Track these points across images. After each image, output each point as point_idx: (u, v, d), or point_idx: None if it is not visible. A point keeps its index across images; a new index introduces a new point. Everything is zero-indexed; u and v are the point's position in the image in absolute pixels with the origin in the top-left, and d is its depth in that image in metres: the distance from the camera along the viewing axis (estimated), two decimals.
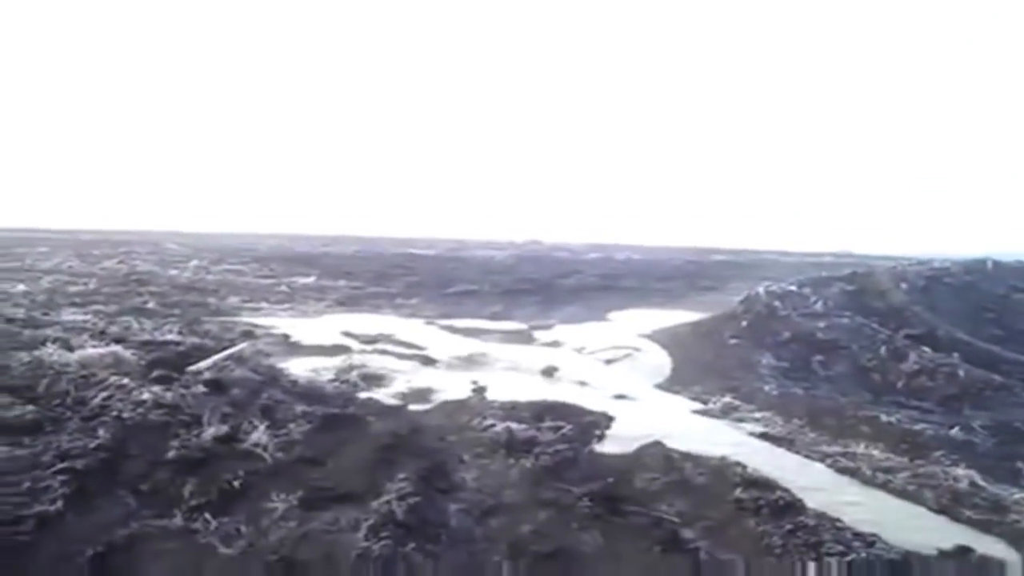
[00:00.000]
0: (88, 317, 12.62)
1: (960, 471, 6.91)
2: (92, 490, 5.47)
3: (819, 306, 13.40)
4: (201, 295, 16.99)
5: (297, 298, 17.74)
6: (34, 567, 4.46)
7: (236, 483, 5.77)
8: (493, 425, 7.62)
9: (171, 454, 6.24)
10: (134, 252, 27.82)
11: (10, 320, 11.67)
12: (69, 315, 12.73)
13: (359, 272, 23.84)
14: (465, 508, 5.67)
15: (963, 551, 5.27)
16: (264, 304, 16.44)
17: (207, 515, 5.21)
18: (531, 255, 36.79)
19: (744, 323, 12.80)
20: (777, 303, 13.41)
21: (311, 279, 21.48)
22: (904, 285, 15.77)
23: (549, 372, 10.56)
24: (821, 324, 12.56)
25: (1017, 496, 6.40)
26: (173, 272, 21.24)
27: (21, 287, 15.92)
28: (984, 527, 5.76)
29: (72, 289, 16.45)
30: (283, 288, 19.42)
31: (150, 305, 14.70)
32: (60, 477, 5.51)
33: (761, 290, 14.19)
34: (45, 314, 12.71)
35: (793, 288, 14.33)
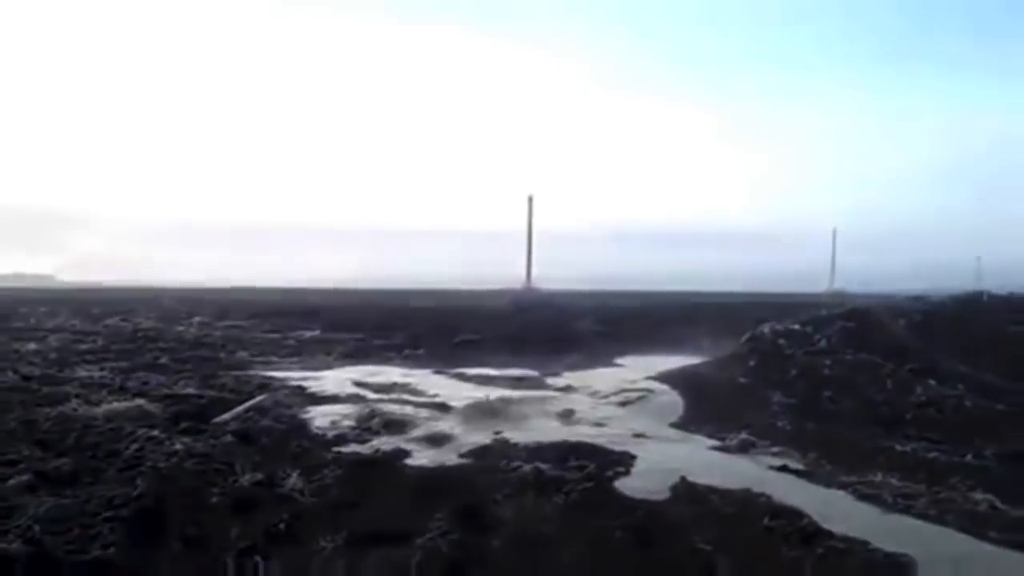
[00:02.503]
0: (104, 373, 12.80)
1: (978, 495, 7.11)
2: (142, 536, 5.62)
3: (823, 343, 13.67)
4: (211, 350, 17.16)
5: (305, 351, 17.91)
6: None
7: (281, 526, 5.92)
8: (520, 466, 7.78)
9: (214, 500, 6.42)
10: (134, 310, 27.99)
11: (27, 378, 11.87)
12: (84, 371, 12.93)
13: (361, 325, 24.01)
14: (506, 543, 5.82)
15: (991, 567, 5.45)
16: (274, 358, 16.61)
17: (257, 557, 5.35)
18: (528, 303, 37.04)
19: (751, 362, 13.03)
20: (782, 341, 13.68)
21: (316, 332, 21.69)
22: (902, 321, 16.11)
23: (567, 415, 10.72)
24: (827, 361, 12.79)
25: None
26: (178, 328, 21.45)
27: (32, 346, 16.10)
28: (1010, 546, 5.92)
29: (82, 347, 16.62)
30: (290, 342, 19.63)
31: (162, 361, 14.86)
32: (108, 525, 5.69)
33: (766, 329, 14.47)
34: (60, 371, 12.90)
35: (796, 327, 14.61)
